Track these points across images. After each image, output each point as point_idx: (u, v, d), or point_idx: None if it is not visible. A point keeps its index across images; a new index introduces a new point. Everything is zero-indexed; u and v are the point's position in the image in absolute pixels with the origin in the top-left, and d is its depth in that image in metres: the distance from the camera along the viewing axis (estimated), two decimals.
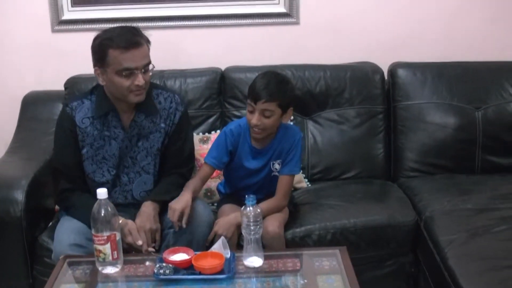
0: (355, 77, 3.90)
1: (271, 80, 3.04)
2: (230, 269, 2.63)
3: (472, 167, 3.84)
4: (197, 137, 3.68)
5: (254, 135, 3.12)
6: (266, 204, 3.09)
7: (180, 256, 2.70)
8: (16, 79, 4.07)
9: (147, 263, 2.76)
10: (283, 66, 3.77)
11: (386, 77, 3.96)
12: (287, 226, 3.22)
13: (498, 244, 2.95)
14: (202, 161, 3.33)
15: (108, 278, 2.68)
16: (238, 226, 2.95)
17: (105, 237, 2.62)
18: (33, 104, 3.93)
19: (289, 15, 4.04)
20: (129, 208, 3.11)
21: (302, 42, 4.09)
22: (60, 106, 3.68)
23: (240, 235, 3.00)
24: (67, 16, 4.02)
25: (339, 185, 3.73)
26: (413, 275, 3.40)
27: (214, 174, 3.52)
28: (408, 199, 3.53)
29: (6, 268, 3.26)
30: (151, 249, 2.90)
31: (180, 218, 2.92)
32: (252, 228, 2.64)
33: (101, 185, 3.00)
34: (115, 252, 2.66)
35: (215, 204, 3.50)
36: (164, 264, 2.64)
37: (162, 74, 3.77)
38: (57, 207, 3.39)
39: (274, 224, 3.07)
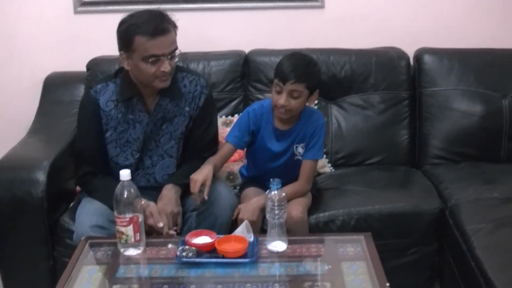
0: (381, 63, 3.86)
1: (300, 62, 3.02)
2: (253, 253, 2.61)
3: (498, 155, 3.78)
4: (220, 120, 3.64)
5: (279, 115, 3.08)
6: (289, 188, 3.05)
7: (203, 239, 2.67)
8: (38, 60, 4.06)
9: (170, 245, 2.74)
10: (307, 50, 3.70)
11: (411, 63, 3.91)
12: (311, 211, 3.20)
13: None
14: None
15: (129, 260, 2.66)
16: (262, 210, 2.92)
17: (128, 219, 2.60)
18: (54, 86, 3.92)
19: None
20: (151, 191, 3.08)
21: (327, 26, 4.04)
22: (82, 88, 3.71)
23: (264, 219, 2.97)
24: None
25: (362, 171, 3.70)
26: (437, 264, 3.36)
27: (237, 157, 3.53)
28: (433, 186, 3.49)
29: (27, 249, 3.25)
30: (172, 232, 2.88)
31: (201, 190, 2.89)
32: (276, 212, 2.61)
33: (125, 168, 2.92)
34: (138, 234, 2.64)
35: (237, 187, 3.47)
36: (186, 247, 2.62)
37: (185, 56, 3.72)
38: (78, 188, 3.38)
39: (297, 209, 3.05)
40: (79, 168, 3.15)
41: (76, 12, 4.02)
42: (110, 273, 2.62)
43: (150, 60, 2.87)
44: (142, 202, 2.73)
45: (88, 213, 2.95)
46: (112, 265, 2.66)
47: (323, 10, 4.04)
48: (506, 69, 3.85)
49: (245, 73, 3.87)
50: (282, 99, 2.99)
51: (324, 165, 3.70)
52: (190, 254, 2.58)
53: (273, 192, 2.62)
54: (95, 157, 3.10)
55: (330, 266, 2.62)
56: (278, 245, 2.66)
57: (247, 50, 3.93)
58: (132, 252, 2.66)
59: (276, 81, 3.02)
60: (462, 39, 4.02)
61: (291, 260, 2.64)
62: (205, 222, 2.94)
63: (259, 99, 3.77)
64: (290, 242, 2.69)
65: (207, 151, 3.17)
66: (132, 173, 2.84)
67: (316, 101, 3.65)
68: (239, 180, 3.51)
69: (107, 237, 2.82)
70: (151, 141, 3.10)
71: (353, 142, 3.81)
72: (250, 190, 3.23)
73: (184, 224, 3.01)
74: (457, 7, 4.05)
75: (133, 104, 3.05)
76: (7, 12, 4.02)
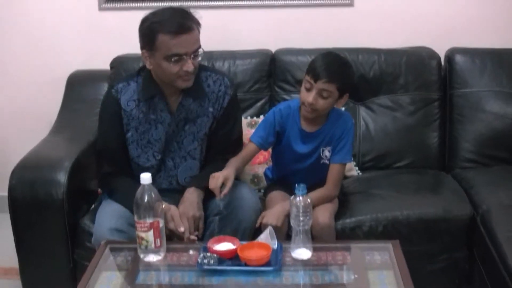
0: (411, 63, 3.78)
1: (335, 61, 2.98)
2: (277, 261, 2.54)
3: None
4: (245, 121, 3.59)
5: (305, 113, 3.02)
6: (316, 194, 2.99)
7: (225, 246, 2.61)
8: (62, 58, 4.05)
9: (191, 251, 2.68)
10: (336, 49, 3.63)
11: (442, 63, 3.84)
12: (337, 216, 3.13)
13: None
14: None
15: (150, 266, 2.61)
16: (287, 216, 2.86)
17: (148, 224, 2.54)
18: (78, 84, 3.90)
19: None
20: (173, 193, 3.03)
21: (356, 24, 3.98)
22: (105, 86, 3.67)
23: (289, 225, 2.90)
24: None
25: (391, 175, 3.63)
26: (467, 272, 3.28)
27: (262, 159, 3.48)
28: (464, 191, 3.40)
29: (47, 251, 3.22)
30: (193, 236, 2.83)
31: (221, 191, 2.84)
32: (301, 219, 2.53)
33: (146, 169, 2.93)
34: (158, 239, 2.58)
35: (262, 190, 3.42)
36: (208, 254, 2.55)
37: (210, 55, 3.68)
38: (100, 189, 3.33)
39: (325, 215, 2.99)
40: (100, 168, 3.12)
41: (100, 8, 4.00)
42: (130, 279, 2.57)
43: (173, 59, 2.82)
44: (163, 206, 2.67)
45: (107, 216, 2.92)
46: (132, 271, 2.61)
47: (352, 8, 3.98)
48: None
49: (271, 72, 3.82)
50: (310, 97, 2.92)
51: (351, 168, 3.64)
52: (212, 261, 2.52)
53: (298, 198, 2.54)
54: (116, 157, 3.06)
55: (356, 275, 2.54)
56: (303, 253, 2.59)
57: (274, 49, 3.88)
58: (152, 258, 2.60)
59: (307, 77, 2.95)
60: (495, 38, 3.94)
61: (316, 268, 2.57)
62: (228, 227, 2.88)
63: (285, 100, 3.71)
64: (315, 250, 2.62)
65: (230, 152, 3.10)
66: (154, 175, 2.81)
67: (348, 115, 3.60)
68: (263, 183, 3.46)
69: (127, 242, 2.77)
70: (173, 142, 3.05)
71: (381, 145, 3.75)
72: (275, 194, 3.17)
73: (207, 228, 2.95)
74: (489, 5, 3.97)
75: (155, 104, 2.99)
76: (32, 9, 4.01)
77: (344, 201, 3.25)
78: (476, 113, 3.72)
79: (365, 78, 3.76)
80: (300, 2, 3.95)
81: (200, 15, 2.90)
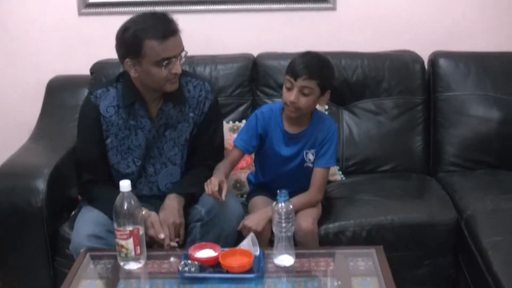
0: (394, 67, 3.76)
1: (313, 59, 2.97)
2: (259, 268, 2.51)
3: None
4: (227, 126, 3.56)
5: (288, 113, 3.01)
6: (299, 199, 2.98)
7: (206, 253, 2.59)
8: (41, 63, 4.00)
9: (172, 259, 2.67)
10: None
11: (426, 67, 3.82)
12: (320, 221, 3.10)
13: None
14: None
15: (130, 274, 2.59)
16: (270, 221, 2.82)
17: (128, 232, 2.52)
18: (58, 89, 3.86)
19: (326, 0, 3.91)
20: (154, 200, 3.01)
21: (338, 29, 3.96)
22: (85, 92, 3.63)
23: (272, 231, 2.87)
24: None
25: (375, 179, 3.61)
26: (452, 278, 3.25)
27: (245, 164, 3.47)
28: (448, 196, 3.38)
29: (27, 259, 3.18)
30: (173, 243, 2.79)
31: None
32: (283, 225, 2.52)
33: (126, 176, 2.90)
34: (138, 247, 2.55)
35: (244, 196, 3.39)
36: (189, 261, 2.53)
37: (191, 60, 3.64)
38: (80, 196, 3.28)
39: (308, 220, 2.96)
40: (79, 176, 3.08)
41: (80, 14, 3.96)
42: None
43: (163, 63, 2.79)
44: (143, 212, 2.64)
45: (86, 222, 2.88)
46: (112, 279, 2.59)
47: (334, 12, 3.95)
48: None
49: (253, 77, 3.79)
50: (292, 96, 2.92)
51: (335, 173, 3.61)
52: (193, 269, 2.49)
53: (280, 204, 2.52)
54: (95, 164, 3.02)
55: (339, 282, 2.54)
56: (285, 260, 2.57)
57: (255, 53, 3.85)
58: (132, 266, 2.57)
59: (287, 77, 2.96)
60: (478, 42, 3.92)
61: (299, 275, 2.55)
62: (210, 233, 2.85)
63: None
64: (298, 256, 2.60)
65: (212, 158, 3.08)
66: (134, 182, 2.81)
67: (326, 106, 3.58)
68: (246, 188, 3.42)
69: (107, 249, 2.73)
70: (153, 148, 3.01)
71: (365, 149, 3.72)
72: (258, 199, 3.15)
73: (188, 235, 2.91)
74: (473, 9, 3.95)
75: (135, 110, 2.96)
76: (10, 14, 3.96)
77: (327, 206, 3.23)
78: (460, 117, 3.70)
79: (348, 82, 3.73)
80: (282, 6, 3.91)
81: (176, 17, 2.88)
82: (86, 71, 3.79)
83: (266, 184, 3.20)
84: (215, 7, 3.92)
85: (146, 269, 2.60)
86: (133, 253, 2.54)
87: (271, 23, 3.94)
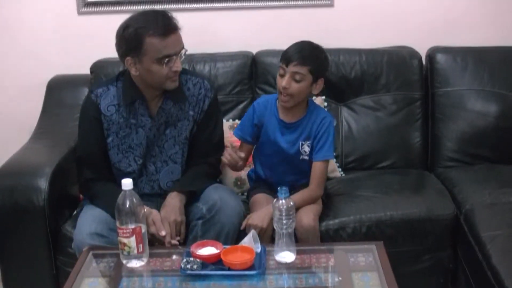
0: (392, 62, 3.77)
1: (305, 46, 3.03)
2: (260, 264, 2.53)
3: None
4: (226, 123, 3.57)
5: (282, 103, 3.05)
6: (299, 195, 3.01)
7: (208, 250, 2.59)
8: (41, 62, 3.99)
9: (174, 257, 2.67)
10: None
11: (424, 62, 3.83)
12: (321, 218, 3.12)
13: None
14: None
15: (133, 272, 2.59)
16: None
17: (130, 230, 2.53)
18: (58, 89, 3.86)
19: None
20: (155, 198, 3.03)
21: (336, 25, 3.96)
22: (86, 91, 3.65)
23: (273, 227, 2.89)
24: None
25: (374, 175, 3.61)
26: (451, 271, 3.28)
27: None
28: (447, 190, 3.40)
29: (29, 258, 3.18)
30: (174, 241, 2.81)
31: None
32: (284, 222, 2.53)
33: (127, 174, 2.91)
34: (141, 245, 2.56)
35: (245, 193, 3.40)
36: (191, 259, 2.54)
37: (191, 58, 3.65)
38: (81, 195, 3.31)
39: (309, 216, 2.98)
40: (80, 174, 3.09)
41: (80, 13, 3.95)
42: (113, 286, 2.57)
43: (164, 60, 2.81)
44: (145, 210, 2.65)
45: (88, 220, 2.89)
46: (115, 277, 2.60)
47: (332, 8, 3.96)
48: None
49: (252, 74, 3.80)
50: (284, 81, 2.97)
51: (334, 169, 3.62)
52: (195, 266, 2.50)
53: (280, 201, 2.54)
54: (96, 163, 3.03)
55: (340, 278, 2.53)
56: (287, 256, 2.58)
57: (254, 51, 3.86)
58: (135, 263, 2.58)
59: (280, 63, 3.02)
60: (476, 36, 3.93)
61: (300, 271, 2.56)
62: (211, 231, 2.86)
63: None
64: (298, 252, 2.61)
65: (212, 155, 3.10)
66: (136, 180, 2.82)
67: (325, 103, 3.59)
68: (247, 186, 3.44)
69: (110, 248, 2.74)
70: (154, 147, 3.03)
71: (364, 145, 3.73)
72: (259, 196, 3.16)
73: (190, 232, 2.93)
74: (470, 4, 3.96)
75: (135, 108, 2.97)
76: (10, 13, 3.96)
77: (327, 202, 3.24)
78: (458, 112, 3.71)
79: (347, 78, 3.74)
80: (280, 3, 3.92)
81: (175, 15, 2.90)
82: (86, 70, 3.79)
83: (264, 179, 3.22)
84: (213, 5, 3.92)
85: (149, 267, 2.60)
86: (135, 251, 2.55)
87: (269, 20, 3.95)
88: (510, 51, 3.82)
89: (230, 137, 3.39)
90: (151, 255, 2.63)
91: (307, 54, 2.98)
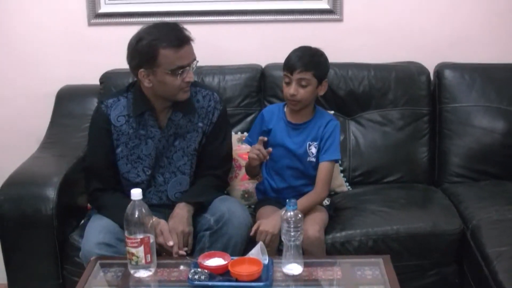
0: (400, 78, 3.77)
1: (306, 52, 3.13)
2: (268, 276, 2.53)
3: None
4: (235, 136, 3.58)
5: (291, 107, 3.16)
6: (306, 199, 3.07)
7: (215, 261, 2.60)
8: (51, 73, 4.00)
9: (181, 267, 2.68)
10: None
11: (432, 78, 3.83)
12: (327, 230, 3.13)
13: None
14: (240, 161, 3.26)
15: (140, 282, 2.60)
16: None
17: (138, 240, 2.53)
18: (67, 99, 3.86)
19: (333, 12, 3.92)
20: (163, 209, 3.04)
21: (345, 40, 3.96)
22: (95, 101, 3.66)
23: (280, 239, 2.90)
24: (104, 9, 3.93)
25: (380, 190, 3.61)
26: (457, 287, 3.27)
27: None
28: (453, 206, 3.40)
29: (36, 267, 3.18)
30: (182, 252, 2.82)
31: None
32: (292, 234, 2.53)
33: (136, 185, 2.92)
34: (149, 255, 2.57)
35: (252, 206, 3.41)
36: (199, 269, 2.54)
37: (200, 70, 3.67)
38: (89, 205, 3.31)
39: (314, 228, 2.99)
40: (89, 184, 3.10)
41: (90, 24, 3.97)
42: None
43: (178, 72, 2.84)
44: (153, 220, 2.66)
45: (96, 230, 2.90)
46: (122, 287, 2.59)
47: (341, 23, 3.96)
48: None
49: (261, 87, 3.81)
50: (291, 89, 3.07)
51: (341, 184, 3.62)
52: (203, 277, 2.50)
53: (289, 213, 2.54)
54: (105, 173, 3.04)
55: None
56: (294, 268, 2.59)
57: (263, 64, 3.87)
58: (142, 273, 2.59)
59: (284, 73, 3.12)
60: (484, 53, 3.92)
61: (307, 284, 2.57)
62: (218, 242, 2.87)
63: None
64: (306, 265, 2.61)
65: (220, 168, 3.12)
66: (144, 191, 2.81)
67: (333, 116, 3.61)
68: (254, 199, 3.44)
69: (118, 257, 2.75)
70: (163, 158, 3.04)
71: (371, 160, 3.73)
72: (266, 208, 3.18)
73: (197, 243, 2.94)
74: (478, 21, 3.96)
75: (145, 119, 2.99)
76: (20, 24, 3.97)
77: (334, 216, 3.25)
78: (465, 128, 3.71)
79: (355, 93, 3.75)
80: (290, 17, 3.93)
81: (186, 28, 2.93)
82: (96, 81, 3.80)
83: (273, 189, 3.25)
84: (223, 18, 3.93)
85: (156, 277, 2.61)
86: (143, 261, 2.55)
87: (279, 34, 3.95)
88: None
89: (238, 149, 3.40)
90: (158, 265, 2.64)
91: (309, 60, 3.08)
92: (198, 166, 3.11)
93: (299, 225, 2.53)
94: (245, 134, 3.65)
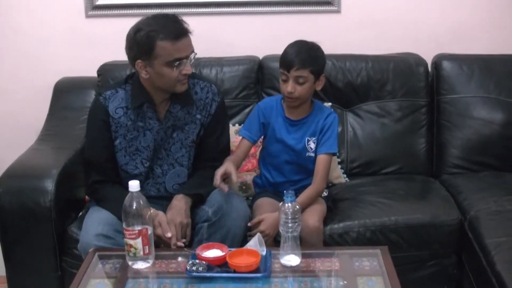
0: (398, 69, 3.77)
1: (302, 48, 3.07)
2: (266, 267, 2.53)
3: None
4: (232, 128, 3.57)
5: (288, 104, 3.12)
6: (305, 194, 3.05)
7: (214, 253, 2.61)
8: (49, 65, 4.00)
9: (180, 259, 2.68)
10: None
11: (430, 70, 3.82)
12: (325, 222, 3.13)
13: None
14: None
15: (138, 273, 2.60)
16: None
17: (137, 232, 2.54)
18: (65, 91, 3.86)
19: (330, 3, 3.92)
20: (161, 200, 3.03)
21: (343, 31, 3.96)
22: (92, 93, 3.66)
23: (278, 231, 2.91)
24: (101, 1, 3.92)
25: (379, 181, 3.61)
26: (456, 278, 3.27)
27: (250, 166, 3.49)
28: (452, 197, 3.40)
29: (34, 259, 3.19)
30: (180, 243, 2.81)
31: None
32: (290, 225, 2.53)
33: (134, 177, 2.90)
34: (147, 247, 2.57)
35: (250, 198, 3.40)
36: (197, 261, 2.55)
37: (198, 62, 3.64)
38: (87, 197, 3.32)
39: (314, 217, 3.00)
40: (87, 177, 3.10)
41: (87, 16, 3.96)
42: (119, 287, 2.56)
43: (175, 64, 2.83)
44: (151, 211, 2.66)
45: (94, 222, 2.89)
46: (121, 279, 2.59)
47: (339, 15, 3.96)
48: None
49: (259, 79, 3.80)
50: (289, 87, 3.03)
51: (339, 176, 3.62)
52: (201, 269, 2.51)
53: (287, 205, 2.54)
54: (103, 165, 3.04)
55: (345, 282, 2.54)
56: (292, 259, 2.59)
57: (261, 55, 3.86)
58: (141, 265, 2.59)
59: (281, 70, 3.07)
60: (482, 44, 3.93)
61: (305, 275, 2.56)
62: (217, 234, 2.88)
63: None
64: (304, 256, 2.62)
65: (218, 159, 3.10)
66: (142, 182, 2.81)
67: (331, 110, 3.60)
68: (252, 191, 3.44)
69: (116, 249, 2.76)
70: (161, 150, 3.04)
71: (369, 151, 3.73)
72: (263, 200, 3.18)
73: (196, 235, 2.93)
74: (476, 12, 3.96)
75: (143, 111, 2.98)
76: (17, 16, 3.96)
77: (332, 207, 3.25)
78: (463, 119, 3.71)
79: (353, 84, 3.75)
80: (288, 9, 3.93)
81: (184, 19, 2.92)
82: (93, 73, 3.80)
83: (271, 183, 3.24)
84: (221, 10, 3.94)
85: (154, 269, 2.61)
86: (141, 253, 2.56)
87: (276, 25, 3.95)
88: None
89: (235, 141, 3.40)
90: (157, 257, 2.64)
91: (305, 56, 3.03)
92: (196, 158, 3.11)
93: (296, 216, 2.53)
94: None
